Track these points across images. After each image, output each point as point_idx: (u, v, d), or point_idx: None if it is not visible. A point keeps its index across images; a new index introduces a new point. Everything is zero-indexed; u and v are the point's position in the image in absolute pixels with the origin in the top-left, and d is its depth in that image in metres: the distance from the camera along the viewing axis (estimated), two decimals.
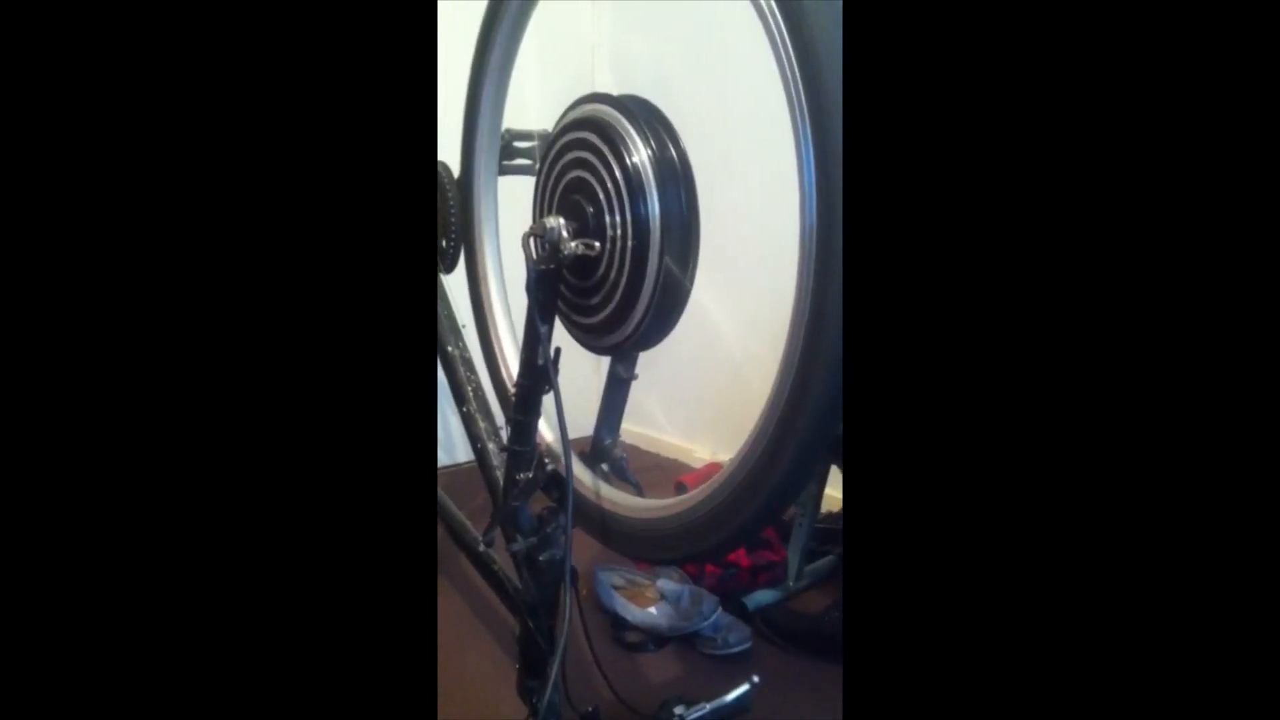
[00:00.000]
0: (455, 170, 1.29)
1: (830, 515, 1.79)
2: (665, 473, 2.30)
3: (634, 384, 0.95)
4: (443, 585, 1.67)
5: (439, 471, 2.35)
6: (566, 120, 0.84)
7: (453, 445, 2.45)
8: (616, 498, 0.94)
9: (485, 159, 1.19)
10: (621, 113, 0.77)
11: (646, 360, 0.93)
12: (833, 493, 1.81)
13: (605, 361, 0.95)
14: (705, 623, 1.44)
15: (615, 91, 0.82)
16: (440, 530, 1.50)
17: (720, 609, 1.47)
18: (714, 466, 1.98)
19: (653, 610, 1.49)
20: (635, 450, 2.52)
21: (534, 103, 1.34)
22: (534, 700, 1.01)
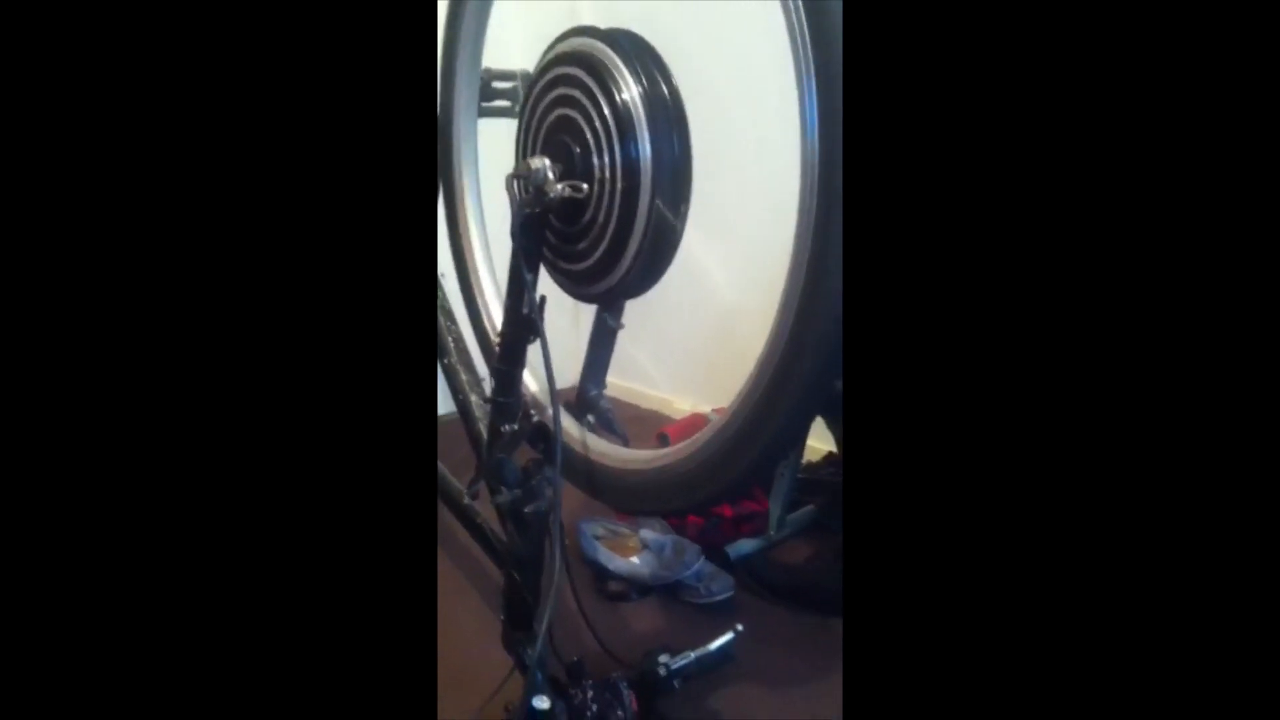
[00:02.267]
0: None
1: (810, 465, 1.80)
2: (646, 425, 2.29)
3: (623, 329, 0.92)
4: None
5: None
6: (551, 55, 0.80)
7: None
8: (604, 449, 0.93)
9: (464, 100, 1.15)
10: (610, 47, 0.73)
11: (630, 316, 0.91)
12: (814, 443, 1.82)
13: (584, 313, 0.92)
14: (688, 572, 1.44)
15: (602, 26, 0.78)
16: None
17: (703, 559, 1.48)
18: (697, 418, 1.97)
19: (635, 560, 1.49)
20: (614, 401, 2.50)
21: (515, 41, 1.29)
22: (521, 652, 1.00)
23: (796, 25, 0.58)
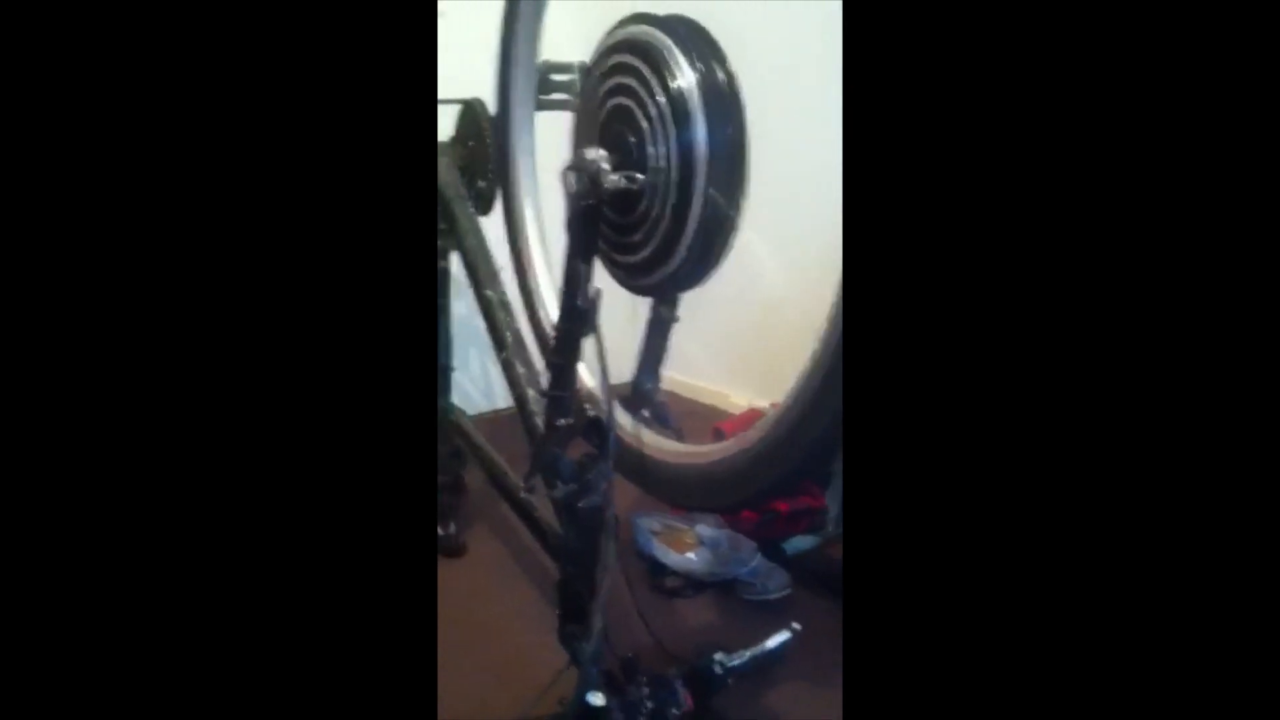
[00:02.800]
0: (491, 107, 1.25)
1: None
2: (702, 419, 2.28)
3: (677, 322, 0.91)
4: (483, 531, 1.68)
5: (480, 418, 2.36)
6: (607, 44, 0.79)
7: (492, 391, 2.45)
8: (658, 443, 0.92)
9: (522, 94, 1.15)
10: (666, 33, 0.72)
11: (686, 302, 0.89)
12: None
13: (641, 307, 0.92)
14: (744, 569, 1.43)
15: (659, 12, 0.76)
16: (481, 475, 1.50)
17: (759, 555, 1.46)
18: (754, 413, 1.94)
19: (691, 555, 1.48)
20: (671, 395, 2.49)
21: (570, 34, 1.29)
22: (575, 647, 1.00)
23: None
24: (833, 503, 1.54)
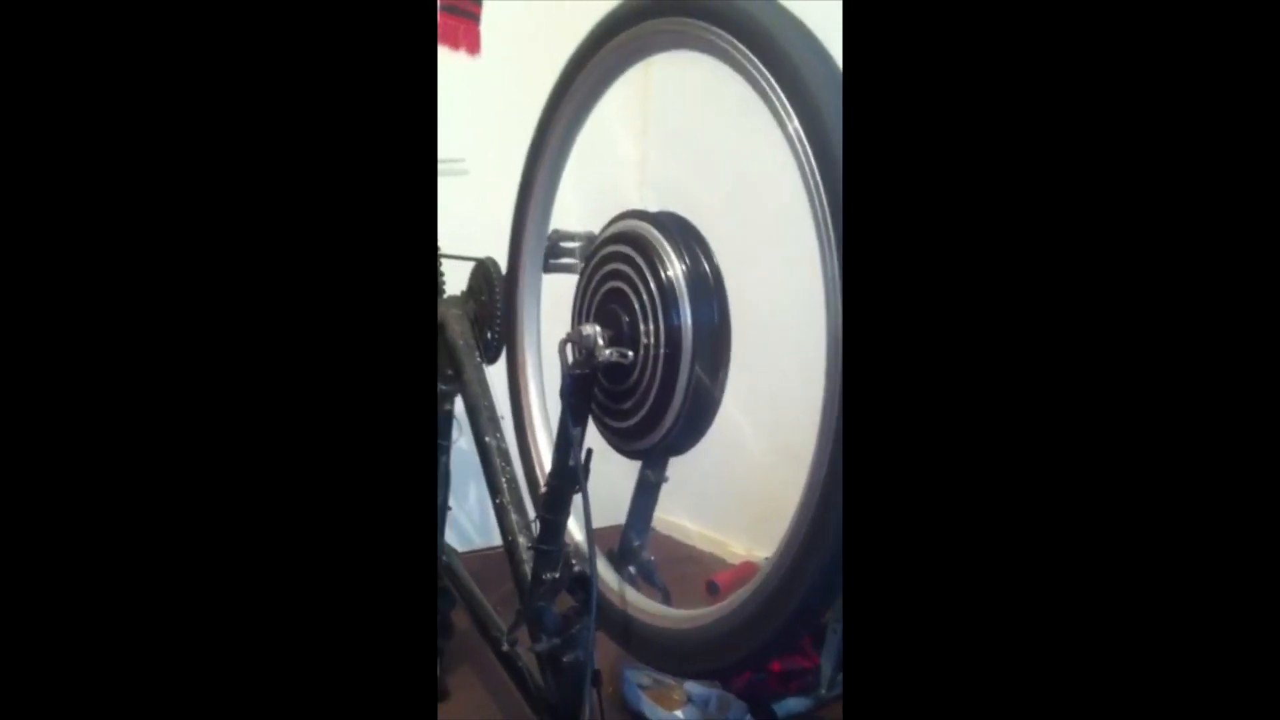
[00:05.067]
0: (503, 266, 1.34)
1: None
2: (700, 566, 2.26)
3: (667, 481, 0.95)
4: (467, 677, 1.65)
5: (471, 555, 2.35)
6: (607, 234, 0.88)
7: (488, 528, 2.45)
8: (642, 604, 0.93)
9: (531, 257, 1.24)
10: (658, 229, 0.80)
11: (682, 458, 0.93)
12: None
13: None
14: None
15: (654, 207, 0.85)
16: (467, 621, 1.49)
17: (749, 716, 1.42)
18: (748, 565, 1.94)
19: (679, 714, 1.45)
20: (670, 542, 2.48)
21: (579, 209, 1.41)
22: None
23: (821, 224, 0.63)
24: (827, 662, 1.51)
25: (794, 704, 1.51)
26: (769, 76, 0.68)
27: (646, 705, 1.45)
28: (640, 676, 1.55)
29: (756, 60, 0.69)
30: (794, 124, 0.66)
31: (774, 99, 0.68)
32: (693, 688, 1.49)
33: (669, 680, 1.55)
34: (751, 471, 2.25)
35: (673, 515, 2.54)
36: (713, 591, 1.70)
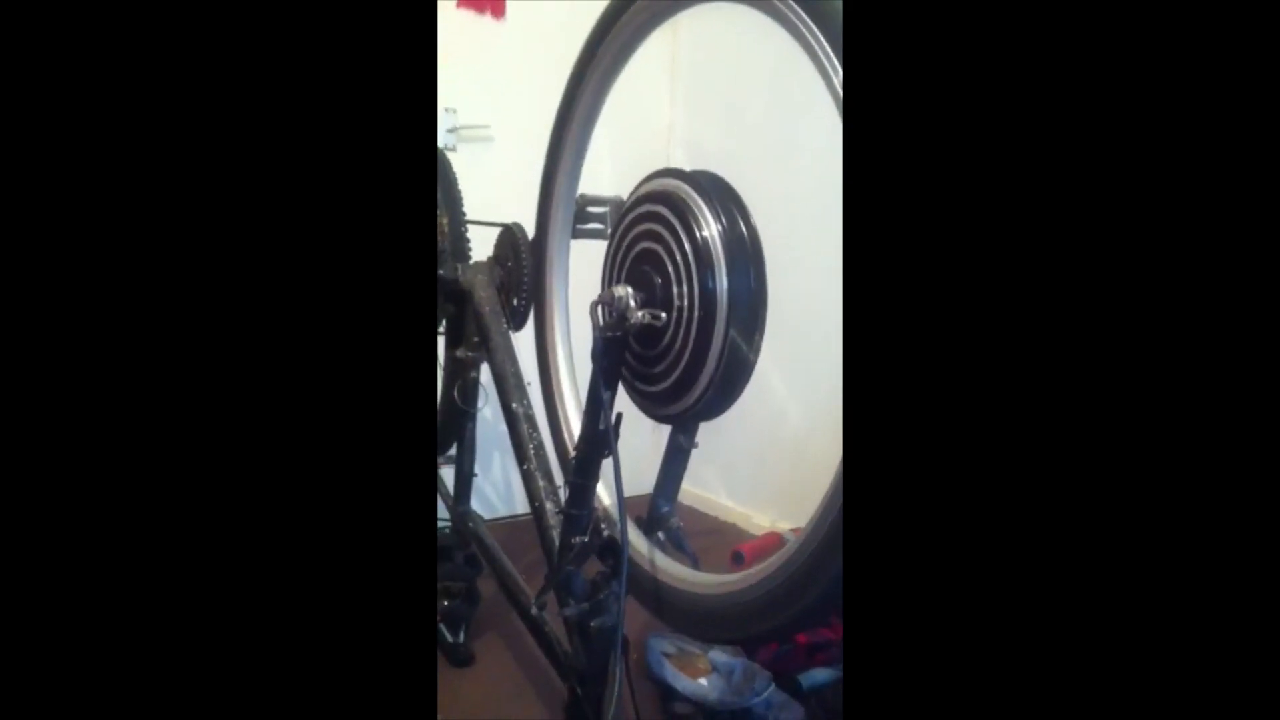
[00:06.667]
0: (530, 231, 1.32)
1: None
2: (723, 537, 2.26)
3: (696, 448, 0.94)
4: (494, 642, 1.66)
5: (498, 523, 2.37)
6: (639, 193, 0.86)
7: (511, 497, 2.46)
8: (671, 569, 0.93)
9: (560, 223, 1.22)
10: (693, 188, 0.78)
11: (708, 428, 0.92)
12: None
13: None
14: (757, 699, 1.39)
15: (688, 167, 0.83)
16: (494, 586, 1.50)
17: (773, 686, 1.42)
18: (773, 536, 1.93)
19: (703, 682, 1.45)
20: (693, 513, 2.48)
21: (608, 174, 1.39)
22: None
23: None
24: None
25: (819, 675, 1.51)
26: (814, 29, 0.66)
27: (670, 673, 1.46)
28: (665, 645, 1.55)
29: (801, 11, 0.67)
30: (840, 80, 0.64)
31: (819, 53, 0.66)
32: (717, 656, 1.49)
33: (694, 649, 1.55)
34: (783, 441, 2.24)
35: (696, 486, 2.55)
36: (738, 561, 1.69)
